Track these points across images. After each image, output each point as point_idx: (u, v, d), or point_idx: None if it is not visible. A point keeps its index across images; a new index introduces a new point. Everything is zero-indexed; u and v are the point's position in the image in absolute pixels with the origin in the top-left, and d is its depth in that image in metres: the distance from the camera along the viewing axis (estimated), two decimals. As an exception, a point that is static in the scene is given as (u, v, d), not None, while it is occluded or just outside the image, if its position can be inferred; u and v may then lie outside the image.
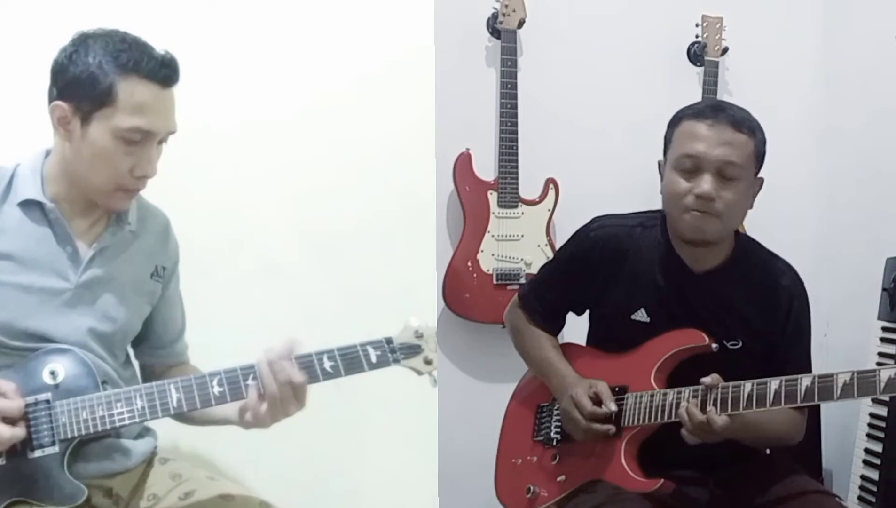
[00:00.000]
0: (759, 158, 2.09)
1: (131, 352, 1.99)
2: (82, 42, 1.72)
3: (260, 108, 2.38)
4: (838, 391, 1.86)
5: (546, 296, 2.35)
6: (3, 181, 1.78)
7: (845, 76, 3.55)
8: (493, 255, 3.22)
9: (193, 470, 1.98)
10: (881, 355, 2.92)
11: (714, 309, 2.12)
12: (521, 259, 3.24)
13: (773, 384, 1.93)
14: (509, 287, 3.21)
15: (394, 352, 1.81)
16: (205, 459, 2.28)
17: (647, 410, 2.09)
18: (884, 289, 2.99)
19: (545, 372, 2.29)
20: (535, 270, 3.02)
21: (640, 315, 2.16)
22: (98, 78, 1.69)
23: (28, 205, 1.77)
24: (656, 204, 2.20)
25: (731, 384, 1.97)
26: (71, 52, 1.72)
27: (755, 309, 2.12)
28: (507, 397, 2.45)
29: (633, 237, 2.20)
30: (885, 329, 2.96)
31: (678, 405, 2.02)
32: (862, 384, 1.83)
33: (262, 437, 2.00)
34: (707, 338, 2.08)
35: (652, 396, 2.09)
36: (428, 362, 1.83)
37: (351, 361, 1.77)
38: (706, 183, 2.02)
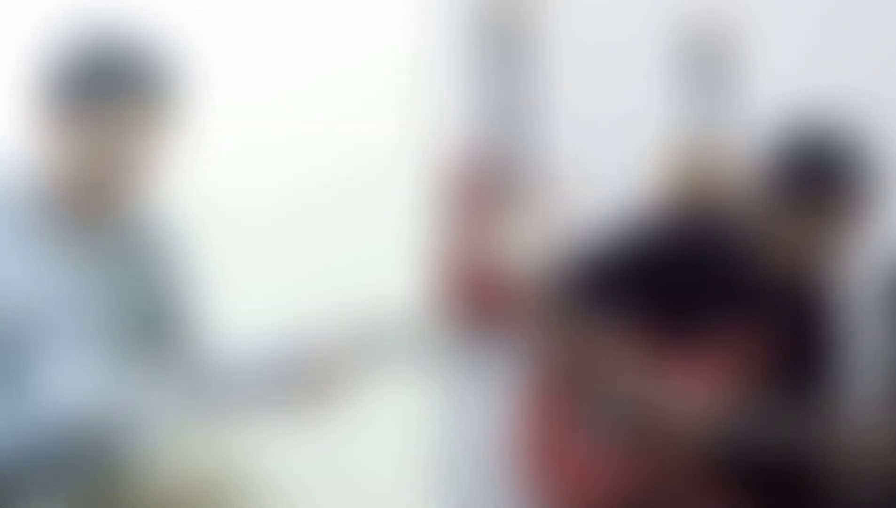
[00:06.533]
0: None
1: (142, 351, 1.98)
2: (74, 38, 1.72)
3: (260, 85, 2.40)
4: None
5: None
6: None
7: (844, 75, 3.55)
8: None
9: (191, 467, 1.97)
10: (880, 355, 2.91)
11: None
12: (521, 259, 3.24)
13: None
14: (509, 287, 3.21)
15: (396, 352, 1.82)
16: (204, 457, 2.27)
17: None
18: (884, 289, 2.99)
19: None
20: (534, 270, 3.02)
21: None
22: (86, 77, 1.70)
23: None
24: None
25: None
26: (61, 47, 1.72)
27: None
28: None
29: None
30: (884, 329, 2.95)
31: None
32: None
33: (259, 435, 2.01)
34: None
35: None
36: (430, 362, 1.83)
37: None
38: None
